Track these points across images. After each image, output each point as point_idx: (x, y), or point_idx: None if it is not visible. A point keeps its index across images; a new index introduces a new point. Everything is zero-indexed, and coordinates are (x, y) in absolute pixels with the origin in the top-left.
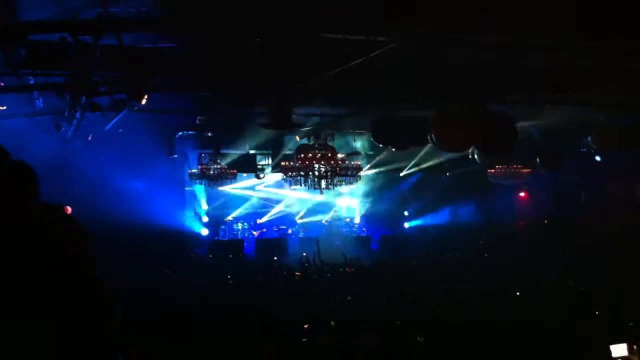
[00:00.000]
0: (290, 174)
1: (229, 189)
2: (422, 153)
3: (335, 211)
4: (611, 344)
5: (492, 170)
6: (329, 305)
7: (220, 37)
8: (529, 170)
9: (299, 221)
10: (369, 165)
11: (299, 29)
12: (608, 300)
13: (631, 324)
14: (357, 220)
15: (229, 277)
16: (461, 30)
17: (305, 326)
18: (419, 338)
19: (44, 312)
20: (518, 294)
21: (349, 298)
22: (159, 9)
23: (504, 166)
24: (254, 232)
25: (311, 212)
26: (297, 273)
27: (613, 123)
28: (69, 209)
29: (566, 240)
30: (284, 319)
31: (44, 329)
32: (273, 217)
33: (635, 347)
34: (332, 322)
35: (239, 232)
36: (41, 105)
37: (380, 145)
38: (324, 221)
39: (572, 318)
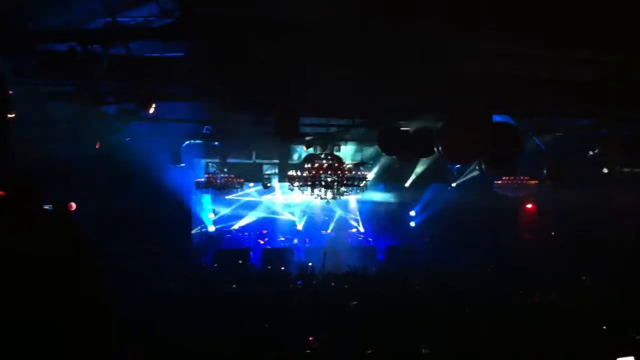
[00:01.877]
0: (296, 183)
1: (235, 197)
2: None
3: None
4: (618, 358)
5: (499, 182)
6: (331, 315)
7: (226, 43)
8: (536, 182)
9: (300, 228)
10: (373, 172)
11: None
12: (615, 313)
13: (638, 337)
14: (362, 229)
15: (233, 286)
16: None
17: (311, 338)
18: (423, 350)
19: (45, 313)
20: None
21: (354, 303)
22: (167, 18)
23: (510, 178)
24: (260, 241)
25: (316, 219)
26: (297, 282)
27: (619, 134)
28: (73, 206)
29: (573, 253)
30: (286, 329)
31: (45, 329)
32: (279, 226)
33: None
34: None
35: (245, 241)
36: (51, 113)
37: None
38: (329, 231)
39: (579, 331)
